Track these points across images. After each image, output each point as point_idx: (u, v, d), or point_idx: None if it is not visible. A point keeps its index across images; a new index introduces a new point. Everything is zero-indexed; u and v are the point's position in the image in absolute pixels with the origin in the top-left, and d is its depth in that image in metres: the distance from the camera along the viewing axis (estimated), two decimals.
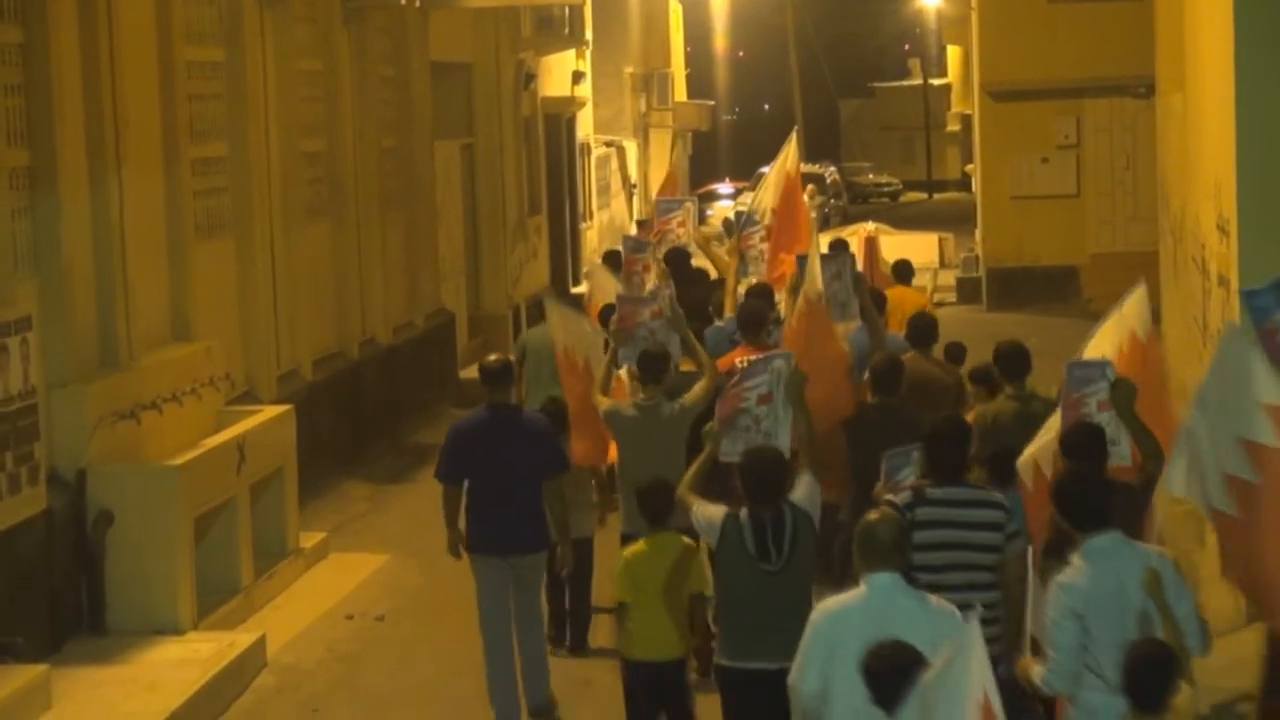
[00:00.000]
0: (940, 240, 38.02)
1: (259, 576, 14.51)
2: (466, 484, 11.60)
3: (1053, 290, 30.99)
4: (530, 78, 30.26)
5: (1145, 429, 9.62)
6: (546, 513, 11.52)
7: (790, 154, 16.94)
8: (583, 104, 35.24)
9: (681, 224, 17.48)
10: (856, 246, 21.30)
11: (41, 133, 13.02)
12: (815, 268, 12.52)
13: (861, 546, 7.71)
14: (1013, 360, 12.16)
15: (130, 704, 11.49)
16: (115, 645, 12.62)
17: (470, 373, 23.74)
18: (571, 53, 33.83)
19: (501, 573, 11.51)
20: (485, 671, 11.64)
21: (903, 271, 19.07)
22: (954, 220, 43.57)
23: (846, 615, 7.55)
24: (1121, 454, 9.57)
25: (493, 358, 11.96)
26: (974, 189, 38.95)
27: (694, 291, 15.30)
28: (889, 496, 9.39)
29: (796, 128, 19.08)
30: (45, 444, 12.44)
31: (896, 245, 30.72)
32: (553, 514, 11.55)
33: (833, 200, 49.73)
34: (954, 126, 72.83)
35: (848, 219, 42.21)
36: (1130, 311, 11.31)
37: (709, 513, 9.24)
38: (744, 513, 9.01)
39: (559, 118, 32.85)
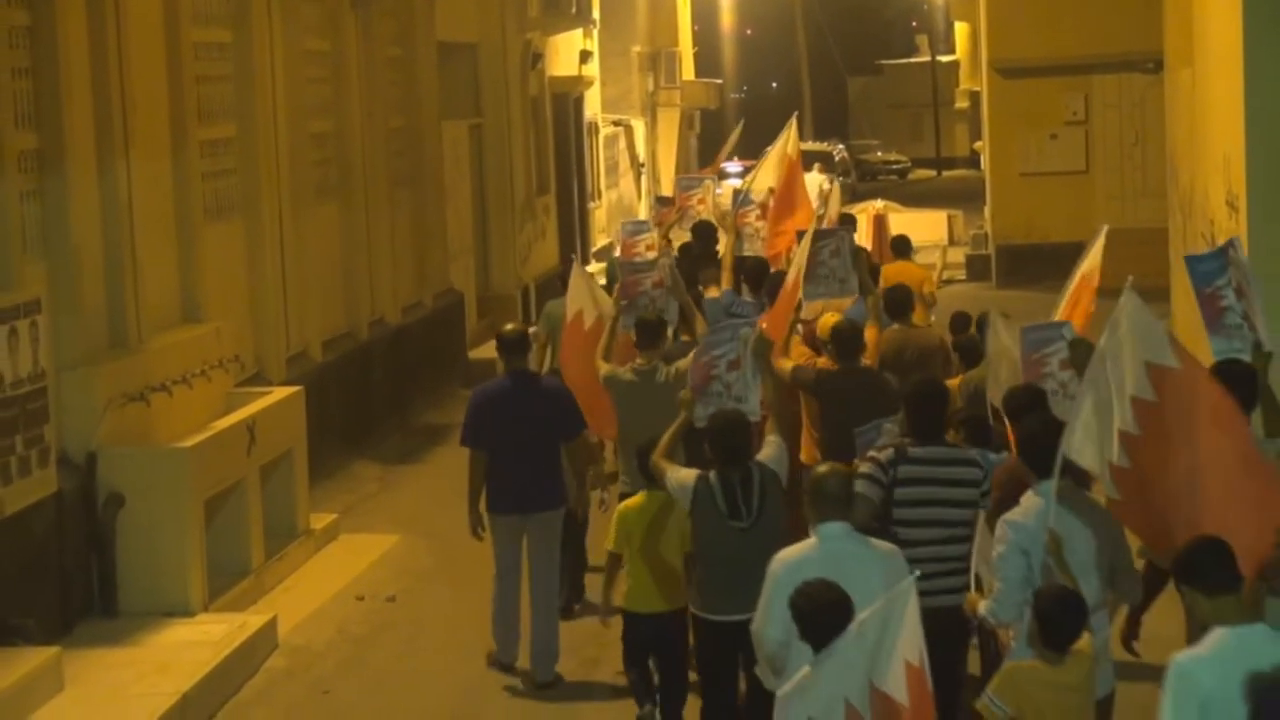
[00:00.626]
0: (949, 217, 37.98)
1: (269, 558, 14.52)
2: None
3: (1062, 266, 30.42)
4: (537, 57, 30.24)
5: None
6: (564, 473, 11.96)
7: (790, 137, 17.53)
8: (590, 83, 35.21)
9: (701, 201, 18.37)
10: (865, 224, 21.39)
11: (49, 116, 13.01)
12: (802, 258, 12.91)
13: (812, 498, 8.29)
14: None
15: (141, 685, 11.51)
16: (126, 627, 12.63)
17: (479, 353, 23.78)
18: (579, 32, 33.79)
19: (513, 529, 12.01)
20: (492, 612, 12.27)
21: (901, 246, 19.30)
22: (963, 197, 43.53)
23: (802, 564, 8.00)
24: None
25: (510, 327, 12.61)
26: (983, 166, 38.89)
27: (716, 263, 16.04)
28: (872, 453, 9.60)
29: (797, 113, 19.67)
30: (55, 427, 12.45)
31: (905, 223, 30.68)
32: (574, 468, 12.08)
33: (840, 178, 49.67)
34: (962, 103, 72.68)
35: (856, 197, 42.15)
36: (1092, 253, 12.88)
37: (681, 476, 9.66)
38: (714, 474, 9.44)
39: (566, 97, 32.83)
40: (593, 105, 35.81)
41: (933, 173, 69.90)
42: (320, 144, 19.49)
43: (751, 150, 24.75)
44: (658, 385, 12.07)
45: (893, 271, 17.08)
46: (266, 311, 17.24)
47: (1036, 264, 30.84)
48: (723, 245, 16.75)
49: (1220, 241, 15.72)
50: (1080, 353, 9.65)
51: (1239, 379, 8.77)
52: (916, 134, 76.71)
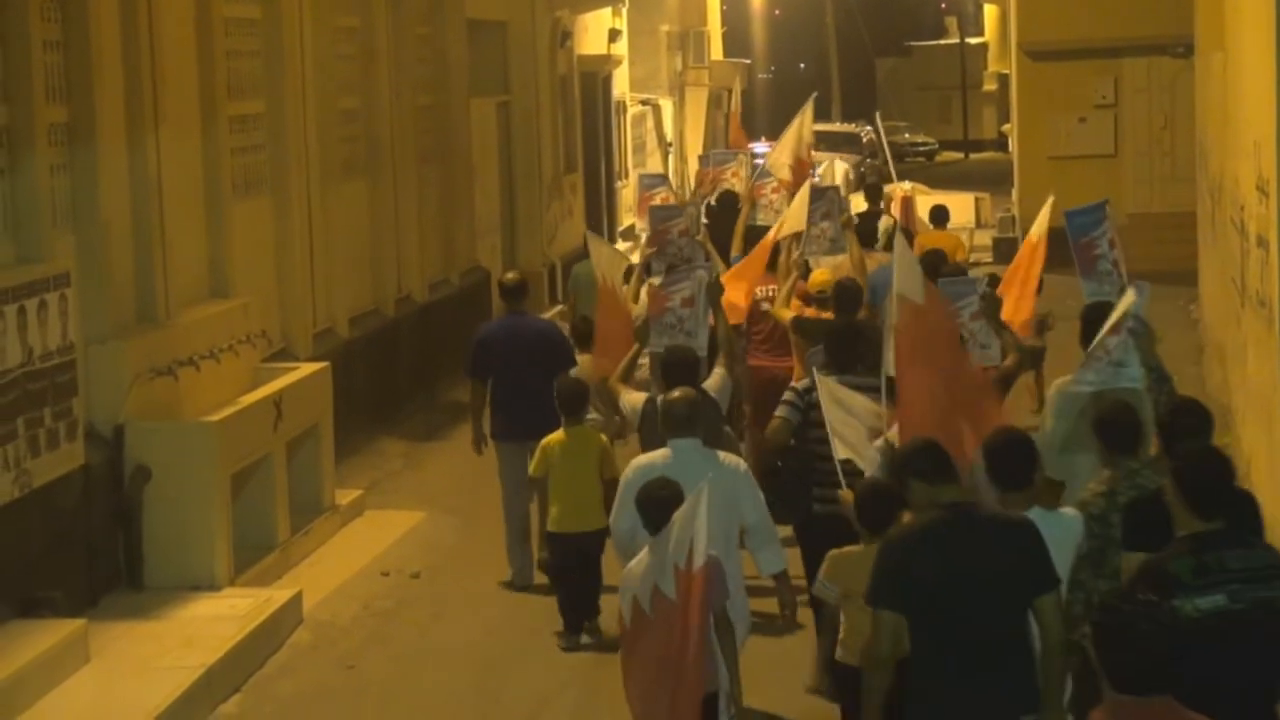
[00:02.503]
0: (976, 200, 37.86)
1: (295, 533, 14.55)
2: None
3: None
4: (566, 35, 30.20)
5: (1010, 330, 11.64)
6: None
7: (806, 119, 18.85)
8: (619, 62, 35.16)
9: (735, 174, 19.18)
10: (894, 206, 21.80)
11: (80, 89, 13.03)
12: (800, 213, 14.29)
13: (664, 419, 9.70)
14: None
15: (167, 659, 11.55)
16: (152, 600, 12.67)
17: None
18: (608, 10, 33.74)
19: (517, 456, 13.43)
20: (505, 539, 13.71)
21: (938, 216, 21.24)
22: (990, 180, 43.38)
23: (650, 468, 9.35)
24: (992, 356, 11.32)
25: (510, 275, 14.59)
26: (1011, 149, 38.77)
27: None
28: (792, 384, 11.24)
29: (815, 94, 20.68)
30: (83, 400, 12.48)
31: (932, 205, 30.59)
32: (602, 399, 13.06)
33: (868, 160, 49.55)
34: (991, 86, 72.57)
35: (883, 179, 42.05)
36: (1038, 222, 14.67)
37: (633, 399, 11.31)
38: (660, 398, 10.48)
39: (595, 76, 32.79)
40: (621, 84, 35.77)
41: (960, 155, 69.72)
42: (349, 121, 19.49)
43: (779, 131, 24.98)
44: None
45: (928, 240, 18.52)
46: (294, 287, 17.25)
47: (1064, 247, 30.69)
48: (740, 218, 17.28)
49: (1250, 227, 15.69)
50: (990, 305, 11.46)
51: (1105, 318, 9.70)
52: (945, 116, 76.48)
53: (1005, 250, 32.30)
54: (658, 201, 17.31)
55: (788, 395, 10.90)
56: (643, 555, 8.22)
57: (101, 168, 13.16)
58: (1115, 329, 10.03)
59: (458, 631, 12.95)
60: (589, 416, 12.78)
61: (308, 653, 12.56)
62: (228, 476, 13.30)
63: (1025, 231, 31.60)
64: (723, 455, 9.78)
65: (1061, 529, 7.79)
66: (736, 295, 14.41)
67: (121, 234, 13.54)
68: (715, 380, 11.24)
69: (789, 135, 18.51)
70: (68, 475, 12.24)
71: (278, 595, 13.00)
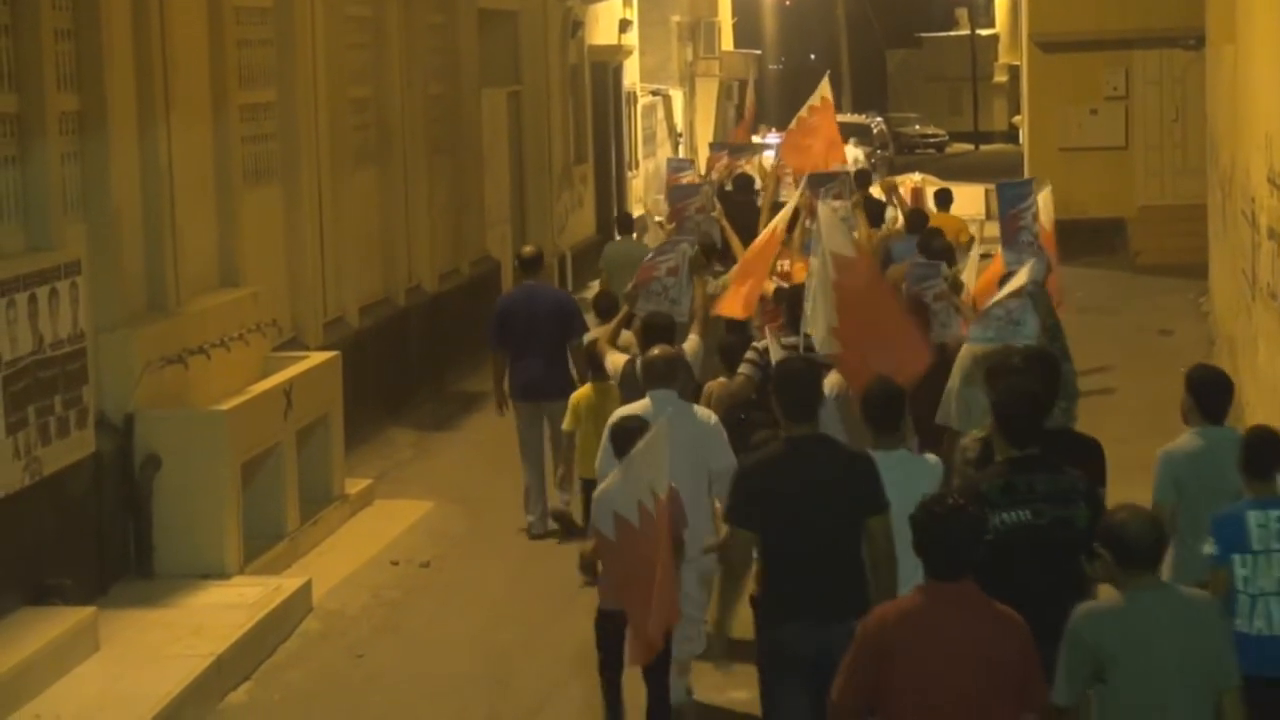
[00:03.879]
0: (987, 192, 37.80)
1: (305, 522, 14.55)
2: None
3: (1100, 243, 30.79)
4: (577, 26, 30.18)
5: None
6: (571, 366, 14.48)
7: (823, 92, 21.22)
8: (629, 52, 35.14)
9: (749, 163, 21.49)
10: (904, 196, 22.18)
11: (91, 78, 13.02)
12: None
13: (644, 372, 10.66)
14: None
15: (176, 647, 11.55)
16: (162, 589, 12.67)
17: None
18: (619, 1, 33.73)
19: (534, 414, 14.56)
20: (523, 486, 14.70)
21: (942, 199, 22.10)
22: (1000, 172, 43.27)
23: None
24: (952, 334, 12.21)
25: (528, 248, 15.67)
26: (1021, 141, 38.74)
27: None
28: (754, 344, 12.27)
29: (829, 71, 23.11)
30: (93, 388, 12.48)
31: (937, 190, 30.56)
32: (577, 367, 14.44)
33: (879, 151, 49.52)
34: (1001, 77, 72.52)
35: (893, 170, 42.02)
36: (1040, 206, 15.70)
37: (615, 360, 12.66)
38: (639, 360, 11.38)
39: (605, 66, 32.77)
40: (631, 74, 35.75)
41: (970, 147, 69.69)
42: (360, 110, 19.49)
43: (786, 121, 25.13)
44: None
45: (935, 221, 18.92)
46: (304, 276, 17.25)
47: (1074, 239, 30.66)
48: (764, 197, 18.47)
49: (1261, 219, 15.66)
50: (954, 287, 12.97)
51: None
52: (955, 107, 76.47)
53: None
54: (684, 182, 19.12)
55: (749, 355, 12.10)
56: (613, 475, 9.16)
57: (112, 156, 13.15)
58: (1016, 293, 11.35)
59: (466, 620, 12.95)
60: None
61: (317, 641, 12.56)
62: (238, 465, 13.30)
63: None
64: (696, 407, 10.75)
65: (919, 468, 9.01)
66: (734, 306, 13.98)
67: (132, 222, 13.54)
68: (690, 345, 12.51)
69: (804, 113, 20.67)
70: (78, 463, 12.24)
71: (287, 584, 13.00)
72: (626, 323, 13.27)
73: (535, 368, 14.60)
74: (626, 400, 11.44)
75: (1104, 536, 7.08)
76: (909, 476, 8.62)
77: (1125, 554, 6.99)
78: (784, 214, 14.90)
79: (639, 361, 11.22)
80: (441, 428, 19.17)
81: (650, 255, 13.86)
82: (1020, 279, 11.47)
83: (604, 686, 10.32)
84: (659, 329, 11.75)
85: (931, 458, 9.31)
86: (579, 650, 11.86)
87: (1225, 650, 7.06)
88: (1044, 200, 16.03)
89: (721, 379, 12.40)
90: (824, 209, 11.73)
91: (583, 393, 13.81)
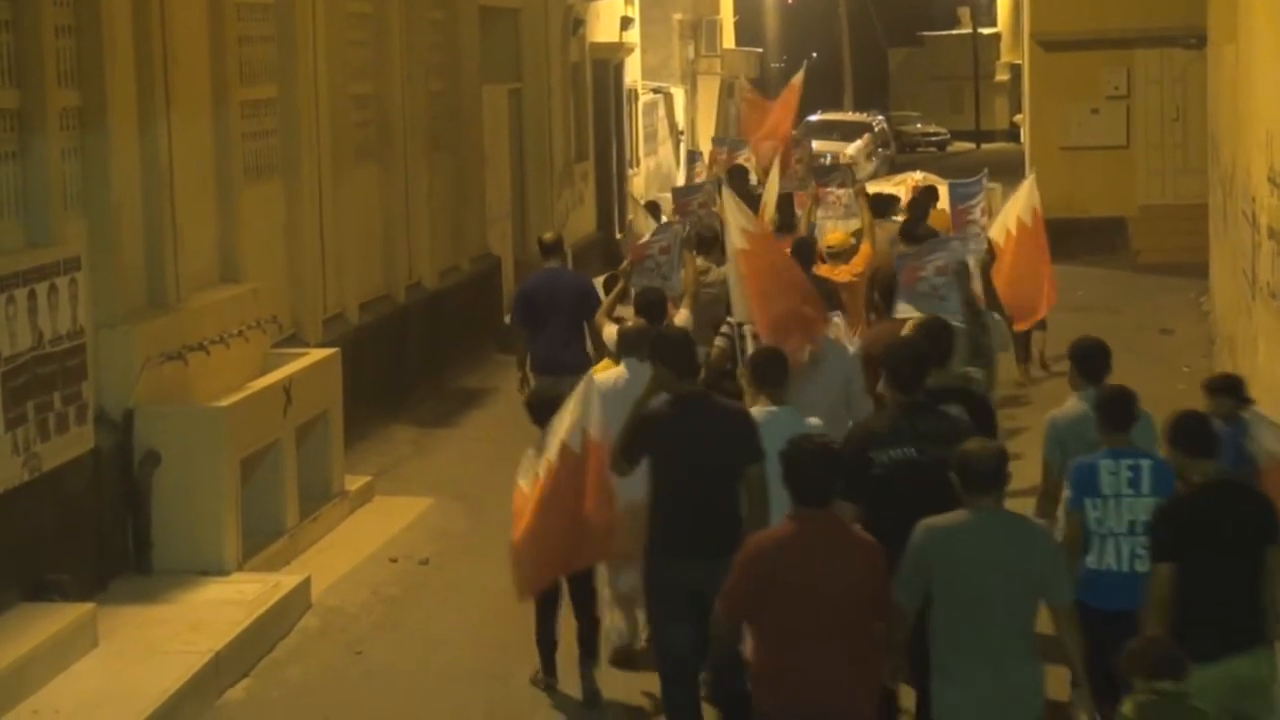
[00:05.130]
0: (988, 191, 37.82)
1: (304, 518, 14.55)
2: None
3: (1101, 242, 30.78)
4: (579, 23, 30.16)
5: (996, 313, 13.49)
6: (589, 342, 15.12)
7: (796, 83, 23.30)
8: (631, 50, 35.12)
9: (746, 160, 22.22)
10: (905, 195, 22.27)
11: (91, 74, 13.01)
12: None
13: (619, 342, 11.72)
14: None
15: (175, 643, 11.56)
16: (160, 585, 12.68)
17: None
18: None
19: (555, 389, 14.29)
20: None
21: (930, 196, 22.05)
22: (1002, 171, 43.26)
23: (605, 381, 11.20)
24: (950, 309, 12.31)
25: (548, 234, 16.39)
26: (1022, 139, 38.72)
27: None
28: (729, 318, 13.15)
29: (806, 61, 24.32)
30: (93, 384, 12.48)
31: (944, 195, 30.55)
32: (594, 342, 14.97)
33: (880, 149, 49.49)
34: (1003, 76, 72.48)
35: (895, 169, 42.01)
36: (1024, 197, 16.81)
37: (610, 332, 13.28)
38: (617, 331, 12.31)
39: (607, 64, 32.75)
40: (633, 72, 35.73)
41: (972, 146, 69.61)
42: (361, 106, 19.48)
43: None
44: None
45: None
46: (304, 273, 17.24)
47: (1075, 238, 30.66)
48: (769, 190, 19.12)
49: (1261, 219, 15.65)
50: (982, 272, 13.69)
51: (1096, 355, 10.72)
52: (956, 106, 76.40)
53: None
54: (698, 177, 21.10)
55: (723, 329, 13.25)
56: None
57: (112, 152, 13.15)
58: (942, 270, 12.58)
59: (466, 617, 12.95)
60: None
61: (316, 638, 12.57)
62: (237, 461, 13.30)
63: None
64: None
65: (797, 425, 9.75)
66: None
67: (132, 218, 13.53)
68: (680, 318, 13.37)
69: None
70: (77, 459, 12.24)
71: (286, 581, 13.00)
72: (623, 298, 14.34)
73: (556, 345, 15.18)
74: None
75: (954, 463, 8.08)
76: (791, 429, 9.18)
77: (968, 478, 8.00)
78: (767, 206, 16.86)
79: (619, 337, 12.13)
80: (441, 424, 19.16)
81: (646, 240, 15.11)
82: (950, 258, 12.87)
83: (539, 625, 11.32)
84: (652, 303, 12.96)
85: (814, 420, 10.19)
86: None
87: (1055, 571, 8.06)
88: (1027, 189, 16.98)
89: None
90: (726, 195, 12.91)
91: (600, 368, 13.95)
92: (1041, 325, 19.99)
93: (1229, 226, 20.42)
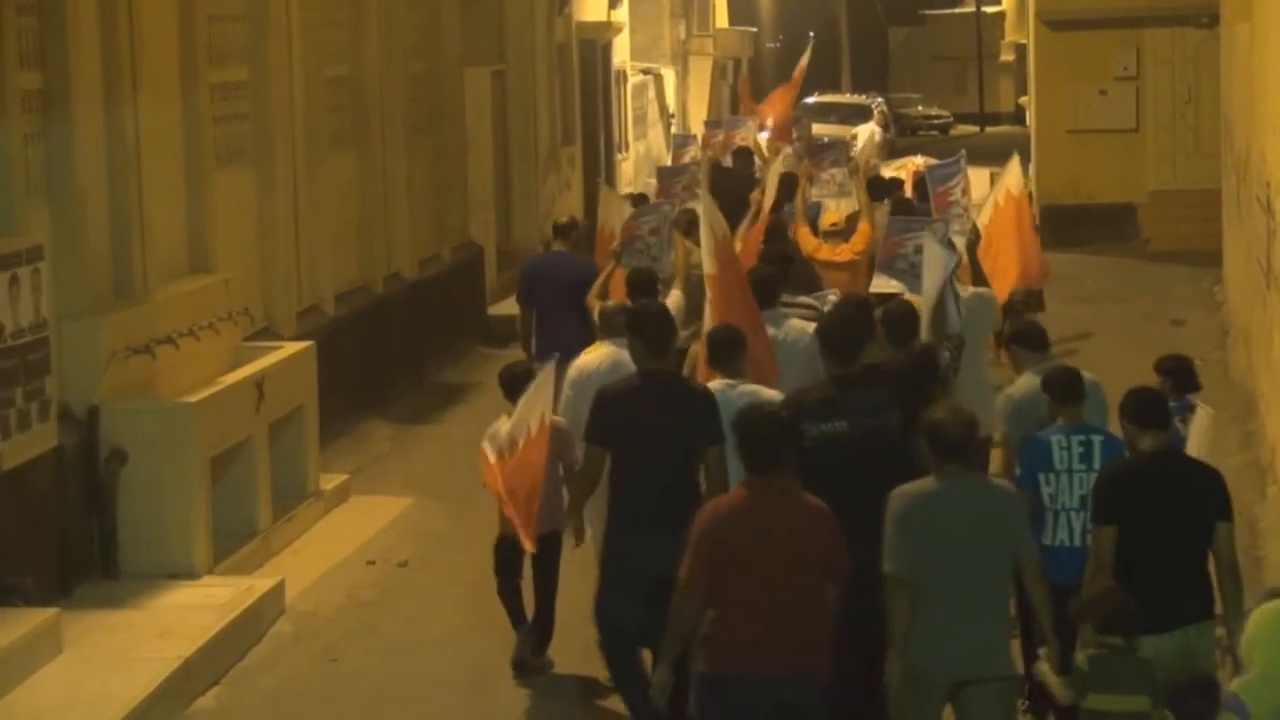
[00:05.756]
0: (992, 176, 37.74)
1: (277, 519, 14.55)
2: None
3: (1110, 229, 30.81)
4: (565, 1, 30.16)
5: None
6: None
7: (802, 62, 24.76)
8: (619, 29, 35.13)
9: (744, 138, 23.06)
10: (906, 180, 22.36)
11: (54, 55, 13.00)
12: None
13: (600, 324, 12.12)
14: None
15: (142, 650, 11.54)
16: (127, 589, 12.66)
17: (500, 309, 23.78)
18: None
19: (526, 365, 14.64)
20: None
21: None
22: (1006, 155, 43.41)
23: (587, 364, 11.87)
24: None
25: (563, 217, 17.20)
26: (1028, 122, 38.71)
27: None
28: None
29: (812, 34, 24.12)
30: (56, 379, 12.47)
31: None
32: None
33: (881, 132, 49.46)
34: (1008, 56, 72.44)
35: (895, 153, 42.05)
36: (1008, 174, 17.01)
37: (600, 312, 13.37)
38: (600, 307, 13.01)
39: (594, 44, 32.76)
40: (621, 53, 35.74)
41: (975, 129, 69.69)
42: (336, 89, 19.47)
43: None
44: None
45: None
46: (278, 263, 17.24)
47: (1083, 225, 30.72)
48: (771, 171, 19.27)
49: (1276, 205, 15.66)
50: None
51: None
52: (959, 88, 76.45)
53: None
54: (687, 159, 21.66)
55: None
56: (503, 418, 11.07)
57: (77, 137, 13.13)
58: (920, 249, 13.01)
59: (446, 623, 12.95)
60: None
61: (290, 644, 12.56)
62: (207, 460, 13.29)
63: (1043, 207, 31.69)
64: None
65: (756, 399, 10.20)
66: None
67: (97, 206, 13.52)
68: (672, 299, 13.76)
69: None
70: (40, 458, 12.22)
71: (259, 584, 13.00)
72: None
73: (559, 326, 15.45)
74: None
75: (924, 429, 8.59)
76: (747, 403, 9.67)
77: (937, 443, 8.49)
78: (768, 193, 17.12)
79: (602, 313, 12.71)
80: (421, 421, 19.16)
81: (634, 217, 15.87)
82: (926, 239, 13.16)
83: (505, 601, 11.80)
84: (641, 284, 13.39)
85: (769, 392, 10.57)
86: (563, 655, 11.87)
87: (1023, 530, 8.64)
88: (1012, 168, 17.22)
89: None
90: (704, 206, 12.88)
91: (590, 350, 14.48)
92: (1038, 308, 20.25)
93: (1243, 213, 20.45)
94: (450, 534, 15.01)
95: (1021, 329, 11.53)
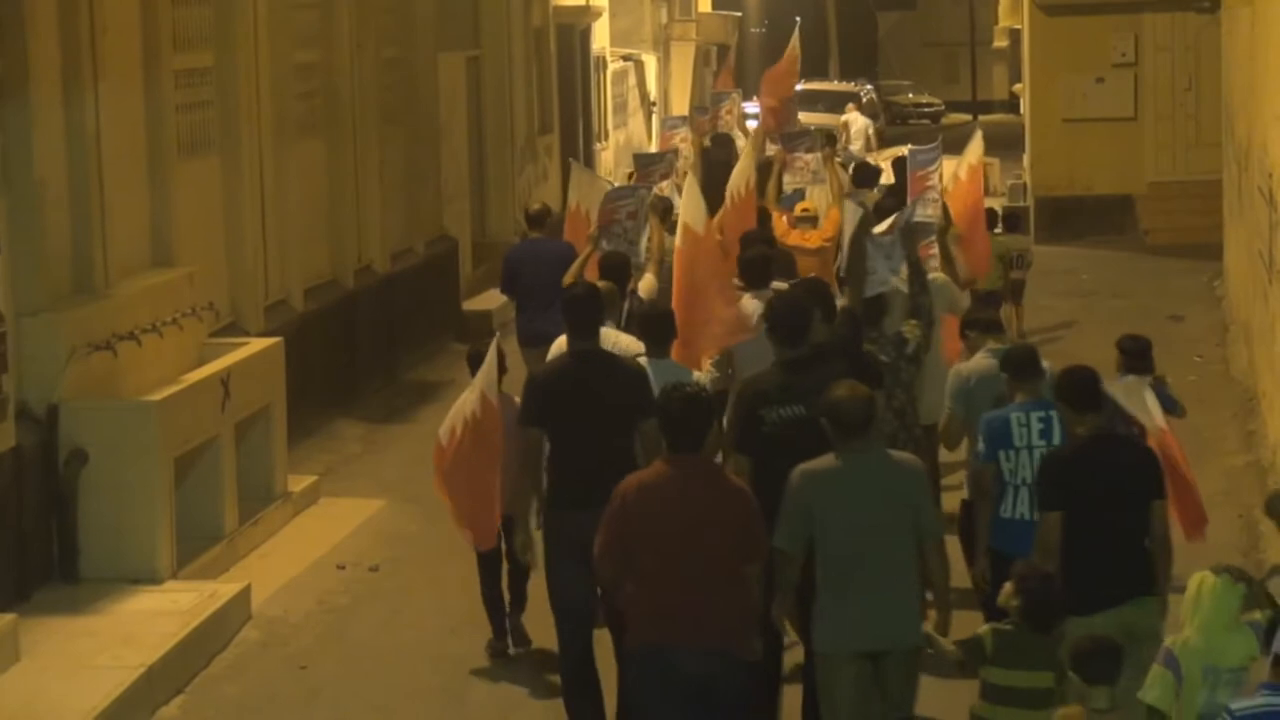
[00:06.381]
0: (985, 166, 37.87)
1: (243, 522, 14.55)
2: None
3: (1107, 221, 30.87)
4: None
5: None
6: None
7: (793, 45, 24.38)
8: (598, 14, 35.14)
9: (729, 111, 24.16)
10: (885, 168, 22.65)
11: (11, 40, 12.98)
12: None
13: (567, 313, 11.41)
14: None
15: (103, 657, 11.54)
16: (88, 594, 12.66)
17: (475, 304, 23.80)
18: None
19: (540, 360, 14.58)
20: None
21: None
22: (1000, 145, 43.35)
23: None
24: (893, 269, 13.15)
25: (535, 205, 17.78)
26: (1022, 111, 38.77)
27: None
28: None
29: (799, 19, 24.38)
30: (14, 377, 12.46)
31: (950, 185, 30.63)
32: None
33: (870, 121, 49.46)
34: (1001, 42, 72.54)
35: (884, 143, 42.08)
36: (970, 149, 17.82)
37: None
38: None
39: (572, 29, 32.77)
40: (601, 38, 35.75)
41: (968, 117, 69.70)
42: (305, 75, 19.45)
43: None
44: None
45: None
46: (244, 256, 17.22)
47: (1079, 218, 30.79)
48: (745, 154, 19.32)
49: (1278, 197, 15.69)
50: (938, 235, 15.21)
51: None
52: (951, 75, 76.60)
53: (1015, 221, 32.31)
54: (677, 142, 21.98)
55: None
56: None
57: (35, 125, 13.12)
58: (890, 229, 13.42)
59: (419, 629, 12.96)
60: None
61: (256, 652, 12.56)
62: (171, 460, 13.28)
63: (1038, 199, 31.76)
64: (620, 336, 12.31)
65: (684, 375, 10.97)
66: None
67: (56, 197, 13.50)
68: (645, 284, 14.40)
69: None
70: None
71: (224, 589, 12.99)
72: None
73: (539, 315, 15.84)
74: None
75: (822, 409, 9.01)
76: (673, 379, 10.21)
77: (838, 422, 8.92)
78: (742, 174, 17.24)
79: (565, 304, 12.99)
80: (393, 420, 19.17)
81: (608, 199, 16.32)
82: (897, 219, 13.74)
83: (487, 609, 12.25)
84: (614, 266, 14.03)
85: (698, 373, 11.44)
86: (539, 663, 11.90)
87: (925, 503, 9.08)
88: (974, 143, 17.98)
89: None
90: (688, 185, 13.99)
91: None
92: (1018, 299, 21.66)
93: (1244, 204, 20.49)
94: (423, 537, 15.01)
95: (976, 314, 12.15)
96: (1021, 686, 8.78)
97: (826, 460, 8.98)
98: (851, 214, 13.33)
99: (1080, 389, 9.72)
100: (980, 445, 10.61)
